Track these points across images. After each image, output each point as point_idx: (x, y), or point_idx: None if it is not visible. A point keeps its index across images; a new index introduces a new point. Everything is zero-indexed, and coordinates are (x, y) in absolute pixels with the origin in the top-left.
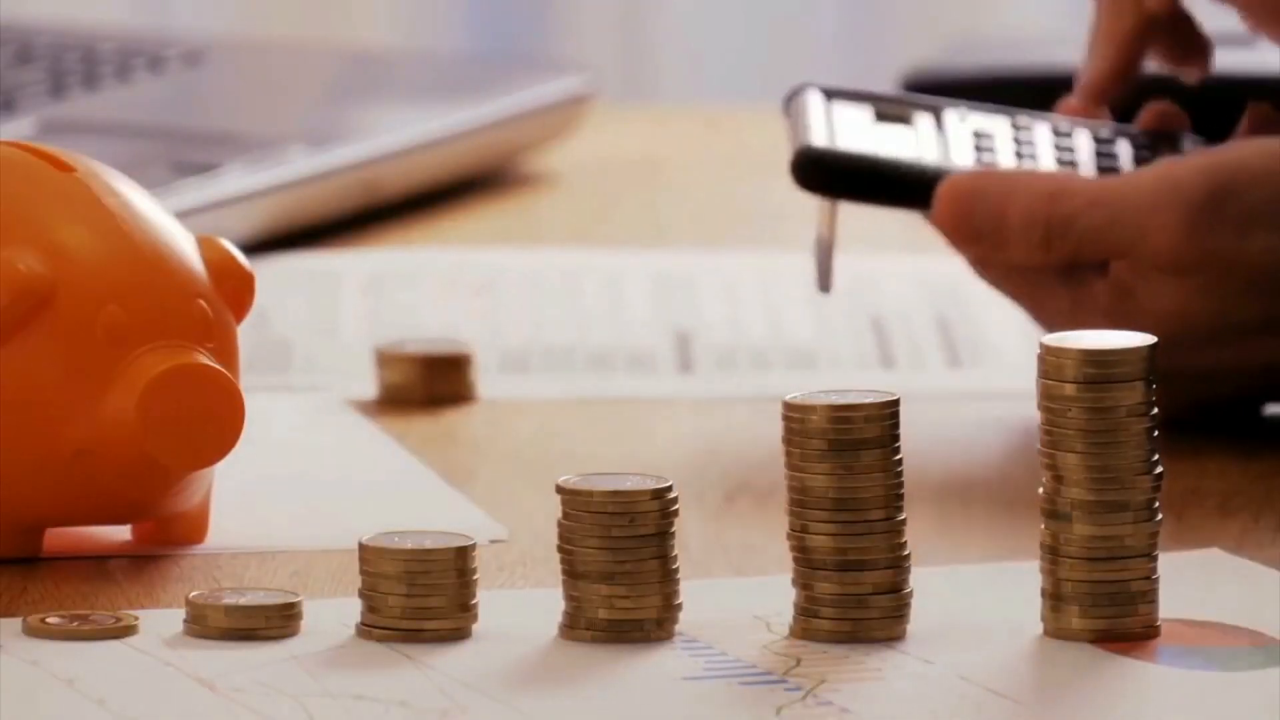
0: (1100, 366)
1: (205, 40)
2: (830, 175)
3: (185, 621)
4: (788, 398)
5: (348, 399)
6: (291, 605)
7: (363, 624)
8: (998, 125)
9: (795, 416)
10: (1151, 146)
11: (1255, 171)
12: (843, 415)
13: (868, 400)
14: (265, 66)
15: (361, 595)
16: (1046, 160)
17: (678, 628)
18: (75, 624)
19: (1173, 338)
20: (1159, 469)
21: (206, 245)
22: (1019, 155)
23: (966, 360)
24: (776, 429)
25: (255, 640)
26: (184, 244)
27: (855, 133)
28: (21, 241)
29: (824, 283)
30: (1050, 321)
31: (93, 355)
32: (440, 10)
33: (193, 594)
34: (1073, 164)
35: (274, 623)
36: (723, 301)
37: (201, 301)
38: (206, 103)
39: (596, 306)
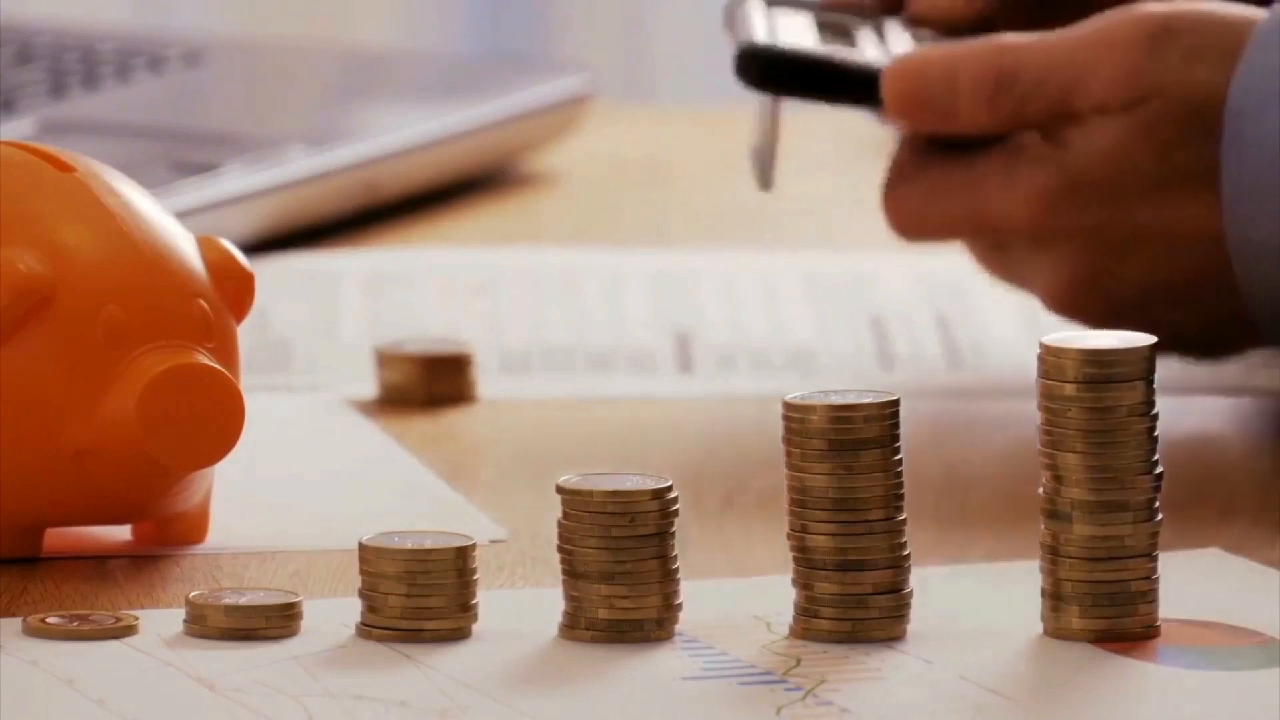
0: (1100, 366)
1: (205, 40)
2: (774, 72)
3: (185, 621)
4: (788, 398)
5: (348, 399)
6: (291, 605)
7: (363, 624)
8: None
9: (795, 416)
10: None
11: (1197, 17)
12: (843, 415)
13: (868, 400)
14: (265, 66)
15: (361, 595)
16: None
17: (678, 628)
18: (75, 624)
19: (1108, 186)
20: (1159, 469)
21: (206, 245)
22: None
23: (966, 360)
24: (776, 429)
25: (255, 640)
26: (184, 244)
27: (798, 34)
28: (21, 241)
29: (764, 182)
30: (986, 195)
31: (92, 355)
32: (440, 10)
33: (193, 594)
34: None
35: (274, 623)
36: (723, 301)
37: (201, 301)
38: (206, 103)
39: (596, 306)
